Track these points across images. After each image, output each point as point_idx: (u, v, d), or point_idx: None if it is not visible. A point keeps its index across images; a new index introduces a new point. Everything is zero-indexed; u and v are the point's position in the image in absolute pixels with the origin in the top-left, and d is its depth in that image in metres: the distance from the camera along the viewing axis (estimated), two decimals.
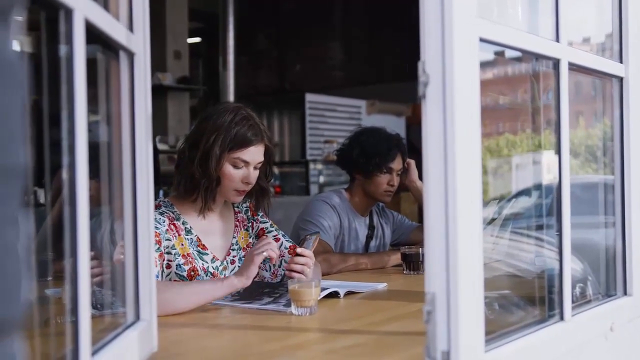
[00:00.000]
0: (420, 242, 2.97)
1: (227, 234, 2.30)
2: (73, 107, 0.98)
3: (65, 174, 0.98)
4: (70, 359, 0.98)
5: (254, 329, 1.73)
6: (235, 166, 2.16)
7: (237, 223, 2.34)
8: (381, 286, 2.33)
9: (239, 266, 2.26)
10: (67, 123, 0.98)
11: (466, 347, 1.16)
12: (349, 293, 2.16)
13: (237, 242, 2.32)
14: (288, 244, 2.34)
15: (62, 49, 0.98)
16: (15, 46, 0.57)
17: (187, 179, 2.18)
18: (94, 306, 1.22)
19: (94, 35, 1.08)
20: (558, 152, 1.52)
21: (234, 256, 2.29)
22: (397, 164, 2.97)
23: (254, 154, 2.18)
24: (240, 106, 2.22)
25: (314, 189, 7.15)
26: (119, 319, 1.34)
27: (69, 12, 0.97)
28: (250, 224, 2.37)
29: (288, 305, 1.89)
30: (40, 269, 1.35)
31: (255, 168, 2.20)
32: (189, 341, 1.64)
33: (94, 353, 1.05)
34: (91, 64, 1.05)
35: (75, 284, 0.98)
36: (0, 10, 0.53)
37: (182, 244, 2.16)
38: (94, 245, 1.05)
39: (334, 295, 2.10)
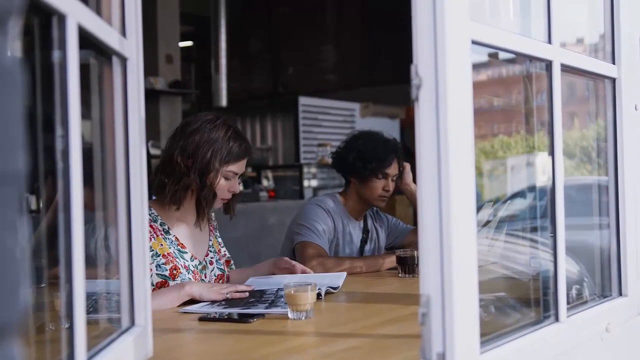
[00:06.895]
0: (415, 245, 2.96)
1: (203, 237, 2.40)
2: (67, 112, 0.98)
3: (59, 180, 0.98)
4: None
5: (250, 333, 1.72)
6: (226, 178, 2.28)
7: (212, 228, 2.46)
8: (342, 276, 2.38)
9: (217, 267, 2.40)
10: (60, 129, 0.97)
11: (461, 348, 1.16)
12: (329, 293, 2.19)
13: (212, 244, 2.43)
14: (218, 272, 2.41)
15: (55, 54, 0.98)
16: (13, 53, 0.58)
17: (181, 189, 2.23)
18: (87, 311, 1.21)
19: (86, 40, 1.08)
20: (551, 153, 1.53)
21: (211, 257, 2.40)
22: (393, 170, 2.97)
23: (243, 166, 2.33)
24: (226, 119, 2.33)
25: (308, 192, 7.14)
26: (113, 324, 1.34)
27: (62, 18, 0.97)
28: (217, 232, 2.50)
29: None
30: (35, 276, 1.34)
31: (239, 177, 2.33)
32: (184, 346, 1.64)
33: (89, 359, 1.05)
34: (83, 69, 1.05)
35: (71, 290, 0.98)
36: None
37: (162, 245, 2.23)
38: (87, 251, 1.05)
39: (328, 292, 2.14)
